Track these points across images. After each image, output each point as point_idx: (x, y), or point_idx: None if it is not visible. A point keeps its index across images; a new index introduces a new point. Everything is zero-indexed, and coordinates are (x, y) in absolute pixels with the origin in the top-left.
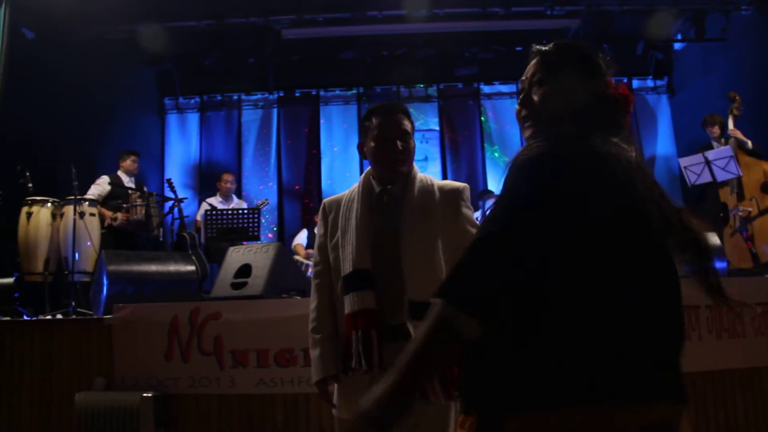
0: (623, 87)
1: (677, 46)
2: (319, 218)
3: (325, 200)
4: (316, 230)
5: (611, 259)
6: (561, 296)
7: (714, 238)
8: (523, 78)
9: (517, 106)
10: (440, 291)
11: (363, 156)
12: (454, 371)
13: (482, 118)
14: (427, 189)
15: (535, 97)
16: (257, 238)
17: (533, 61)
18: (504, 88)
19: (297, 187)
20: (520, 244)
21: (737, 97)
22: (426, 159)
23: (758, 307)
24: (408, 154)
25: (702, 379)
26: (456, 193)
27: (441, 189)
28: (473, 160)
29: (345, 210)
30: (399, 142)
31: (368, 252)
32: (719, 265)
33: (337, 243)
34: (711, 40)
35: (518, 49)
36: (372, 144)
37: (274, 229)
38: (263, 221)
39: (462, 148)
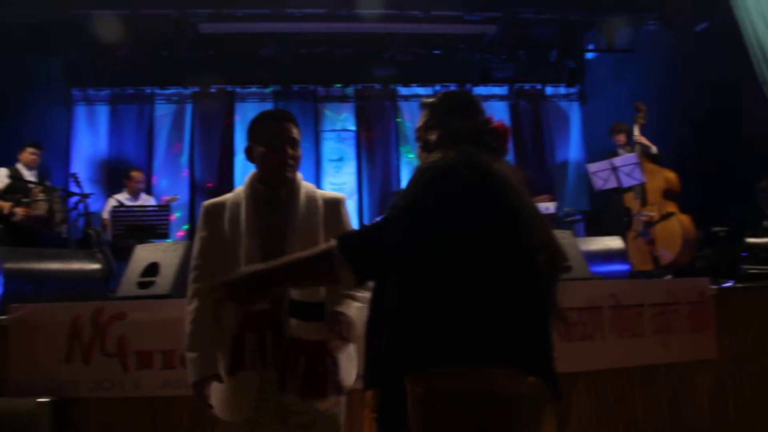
0: (500, 122)
1: (589, 55)
2: (201, 221)
3: (206, 203)
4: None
5: (489, 245)
6: (448, 274)
7: (618, 242)
8: (419, 125)
9: (418, 150)
10: (342, 235)
11: (250, 160)
12: (324, 370)
13: (398, 120)
14: (312, 196)
15: (432, 137)
16: (166, 236)
17: (424, 112)
18: (421, 91)
19: (210, 184)
20: (414, 227)
21: (643, 107)
22: (341, 159)
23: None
24: (296, 161)
25: (604, 376)
26: (338, 202)
27: (324, 197)
28: (388, 161)
29: (231, 213)
30: (289, 149)
31: (259, 253)
32: (622, 267)
33: (223, 246)
34: (620, 51)
35: (436, 52)
36: (262, 149)
37: (185, 227)
38: (174, 219)
39: (377, 148)
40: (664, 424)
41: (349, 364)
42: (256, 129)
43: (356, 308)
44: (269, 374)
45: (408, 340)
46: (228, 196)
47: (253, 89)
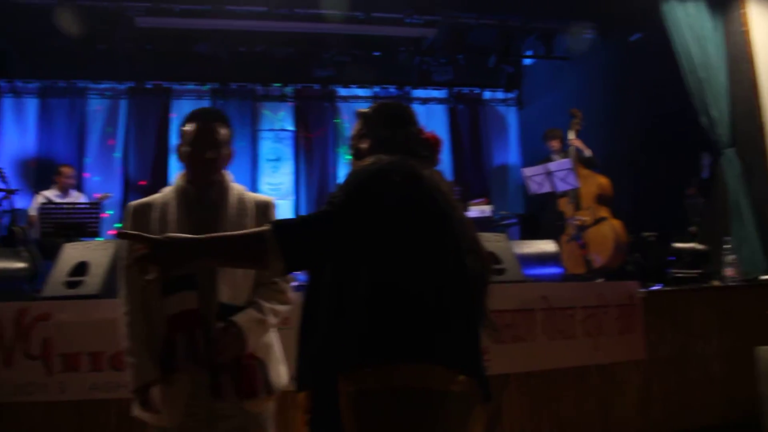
0: (431, 133)
1: (527, 61)
2: (127, 222)
3: (132, 204)
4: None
5: (419, 247)
6: (378, 273)
7: (551, 245)
8: (353, 134)
9: (351, 158)
10: (276, 221)
11: (179, 159)
12: (253, 371)
13: (337, 121)
14: (242, 197)
15: (363, 146)
16: (97, 235)
17: (358, 121)
18: (360, 92)
19: (143, 182)
20: (345, 222)
21: (578, 113)
22: (279, 159)
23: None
24: (219, 162)
25: (536, 377)
26: (268, 205)
27: (254, 199)
28: (326, 161)
29: (159, 214)
30: (211, 150)
31: None
32: (555, 270)
33: None
34: (557, 59)
35: (376, 54)
36: (187, 149)
37: (118, 225)
38: (105, 217)
39: (315, 149)
40: (594, 423)
41: (278, 366)
42: (182, 129)
43: (255, 320)
44: (201, 377)
45: (339, 340)
46: (156, 196)
47: (191, 86)
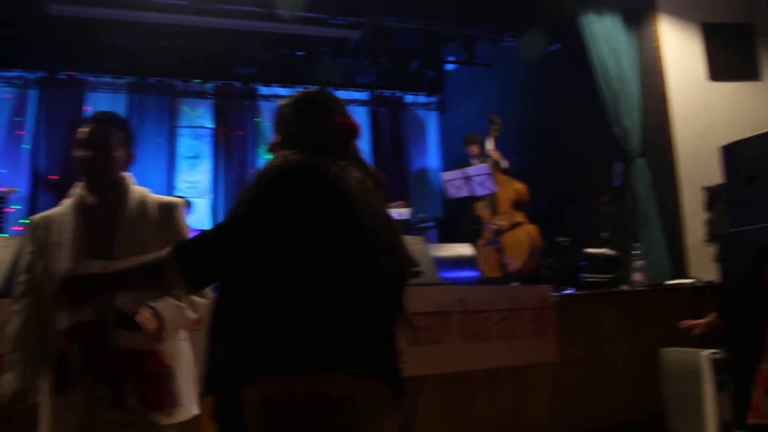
0: (347, 122)
1: (449, 66)
2: (28, 236)
3: (33, 217)
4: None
5: (323, 250)
6: (282, 279)
7: (468, 249)
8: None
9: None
10: (175, 244)
11: (74, 165)
12: (159, 381)
13: (257, 119)
14: (143, 201)
15: (276, 141)
16: (0, 231)
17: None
18: (282, 91)
19: (54, 177)
20: (245, 233)
21: (497, 120)
22: (197, 157)
23: None
24: (113, 165)
25: (451, 379)
26: (172, 206)
27: (158, 202)
28: (245, 160)
29: (58, 225)
30: (95, 152)
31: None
32: (471, 273)
33: (50, 258)
34: (479, 65)
35: (299, 53)
36: (79, 153)
37: (25, 221)
38: (11, 212)
39: (235, 147)
40: (506, 424)
41: (188, 376)
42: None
43: (172, 306)
44: (99, 390)
45: (244, 346)
46: (57, 208)
47: (107, 79)
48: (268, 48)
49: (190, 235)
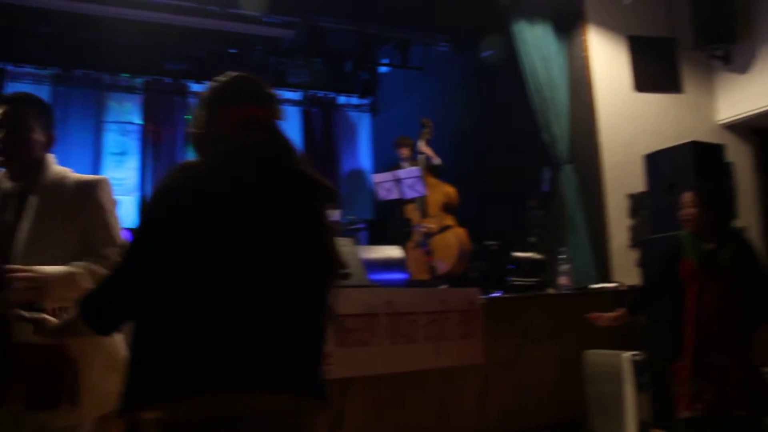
0: (247, 111)
1: (382, 69)
2: None
3: None
4: None
5: (202, 275)
6: (156, 308)
7: (397, 251)
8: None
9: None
10: (79, 300)
11: None
12: (57, 377)
13: (188, 117)
14: (60, 182)
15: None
16: None
17: None
18: None
19: None
20: (132, 270)
21: (429, 123)
22: (123, 153)
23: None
24: (22, 148)
25: (379, 381)
26: (92, 184)
27: (75, 181)
28: (174, 158)
29: None
30: (12, 134)
31: None
32: (400, 276)
33: None
34: (412, 68)
35: (232, 51)
36: None
37: None
38: None
39: (164, 145)
40: (433, 425)
41: (102, 374)
42: None
43: (61, 270)
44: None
45: (131, 373)
46: None
47: (29, 69)
48: (200, 44)
49: (117, 212)
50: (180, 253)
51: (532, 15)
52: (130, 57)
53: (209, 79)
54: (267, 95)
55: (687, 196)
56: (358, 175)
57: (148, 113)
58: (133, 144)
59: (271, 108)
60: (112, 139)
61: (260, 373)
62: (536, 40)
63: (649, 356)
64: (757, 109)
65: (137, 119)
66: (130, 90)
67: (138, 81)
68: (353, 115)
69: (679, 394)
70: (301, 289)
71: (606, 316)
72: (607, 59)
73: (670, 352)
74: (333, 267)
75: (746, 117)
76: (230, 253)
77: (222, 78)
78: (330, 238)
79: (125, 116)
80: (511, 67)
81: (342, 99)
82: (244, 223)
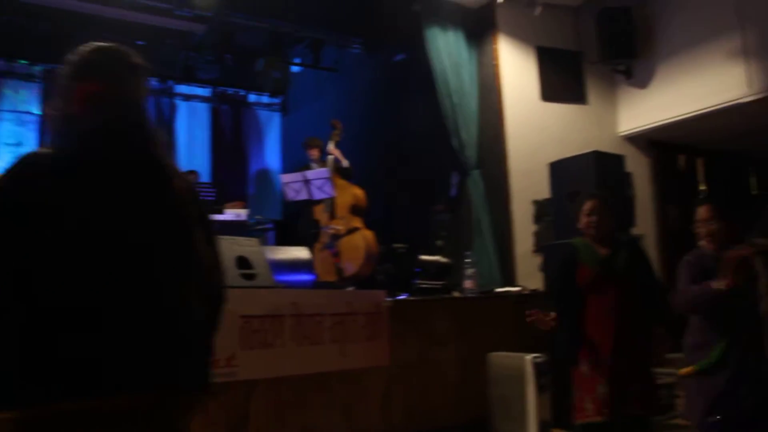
0: (102, 85)
1: (294, 68)
2: None
3: None
4: None
5: (57, 272)
6: (16, 309)
7: (305, 252)
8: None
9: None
10: None
11: None
12: None
13: None
14: None
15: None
16: None
17: None
18: None
19: None
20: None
21: (339, 125)
22: (20, 144)
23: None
24: None
25: (283, 383)
26: None
27: None
28: None
29: None
30: None
31: None
32: (307, 277)
33: None
34: (324, 69)
35: (140, 43)
36: None
37: None
38: None
39: None
40: (338, 427)
41: None
42: None
43: None
44: None
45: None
46: None
47: None
48: (106, 34)
49: None
50: (29, 252)
51: (445, 21)
52: (28, 43)
53: None
54: (130, 67)
55: (589, 204)
56: (266, 174)
57: (47, 103)
58: (30, 134)
59: (131, 82)
60: (6, 128)
61: (125, 374)
62: (448, 47)
63: (550, 359)
64: (655, 122)
65: (35, 109)
66: (27, 78)
67: (37, 69)
68: (263, 114)
69: (579, 398)
70: (157, 278)
71: (547, 320)
72: (516, 68)
73: (570, 356)
74: (191, 257)
75: (645, 130)
76: (79, 248)
77: (82, 49)
78: (184, 225)
79: (22, 105)
80: (422, 71)
81: (252, 97)
82: (91, 214)
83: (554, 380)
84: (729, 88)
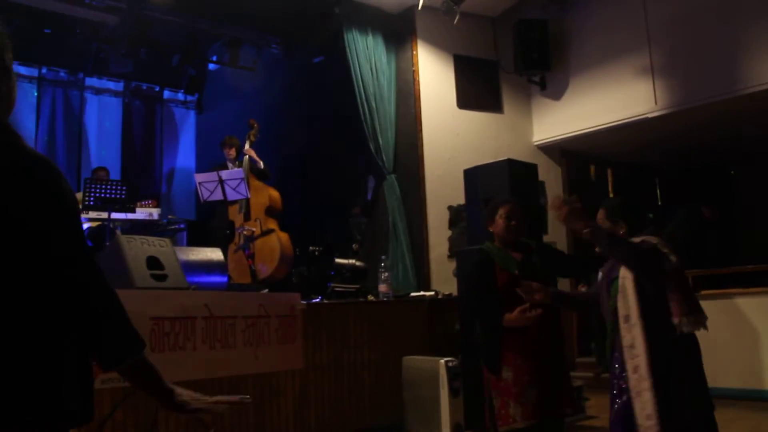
0: None
1: (211, 66)
2: None
3: None
4: None
5: None
6: None
7: (218, 253)
8: None
9: None
10: None
11: None
12: None
13: None
14: None
15: None
16: None
17: None
18: (23, 70)
19: None
20: None
21: (255, 125)
22: None
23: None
24: None
25: (195, 386)
26: None
27: None
28: None
29: None
30: None
31: None
32: (220, 279)
33: None
34: (242, 68)
35: (47, 30)
36: None
37: None
38: None
39: None
40: (251, 429)
41: None
42: None
43: None
44: None
45: None
46: None
47: None
48: (9, 20)
49: None
50: None
51: (365, 25)
52: None
53: (18, 60)
54: None
55: (507, 208)
56: (180, 173)
57: None
58: None
59: None
60: None
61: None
62: (367, 51)
63: (462, 363)
64: (567, 133)
65: None
66: None
67: None
68: (178, 111)
69: (503, 404)
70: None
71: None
72: (434, 75)
73: (493, 362)
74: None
75: (558, 140)
76: None
77: None
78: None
79: None
80: (341, 74)
81: (167, 93)
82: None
83: (469, 384)
84: (636, 103)
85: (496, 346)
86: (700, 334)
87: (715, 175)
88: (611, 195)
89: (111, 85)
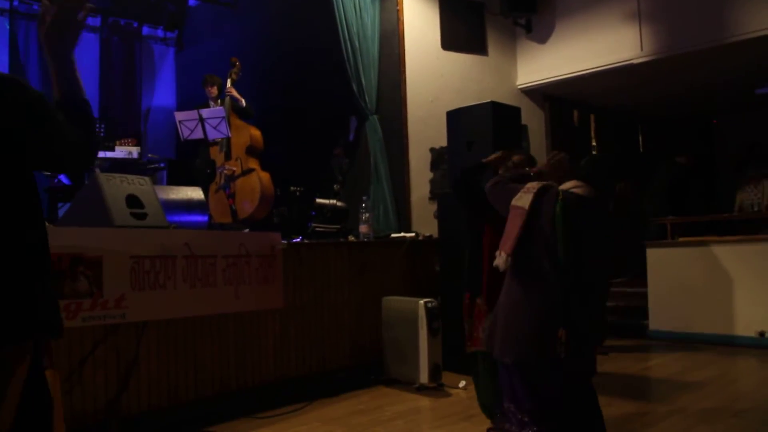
0: None
1: (191, 2)
2: None
3: None
4: None
5: None
6: None
7: (199, 192)
8: None
9: None
10: None
11: None
12: None
13: None
14: None
15: None
16: None
17: None
18: None
19: None
20: None
21: (237, 63)
22: None
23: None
24: None
25: (176, 324)
26: None
27: None
28: None
29: None
30: None
31: None
32: (201, 218)
33: None
34: (222, 4)
35: None
36: None
37: None
38: None
39: None
40: (231, 368)
41: None
42: None
43: None
44: None
45: None
46: None
47: None
48: None
49: None
50: None
51: None
52: None
53: None
54: None
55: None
56: (160, 111)
57: None
58: None
59: None
60: None
61: None
62: None
63: (440, 304)
64: (551, 77)
65: None
66: None
67: None
68: (157, 48)
69: (475, 328)
70: None
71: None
72: (418, 15)
73: (476, 285)
74: None
75: (542, 84)
76: None
77: None
78: None
79: None
80: (324, 13)
81: (146, 30)
82: None
83: (446, 324)
84: (622, 48)
85: (479, 271)
86: (677, 279)
87: (698, 124)
88: (593, 141)
89: (88, 20)
